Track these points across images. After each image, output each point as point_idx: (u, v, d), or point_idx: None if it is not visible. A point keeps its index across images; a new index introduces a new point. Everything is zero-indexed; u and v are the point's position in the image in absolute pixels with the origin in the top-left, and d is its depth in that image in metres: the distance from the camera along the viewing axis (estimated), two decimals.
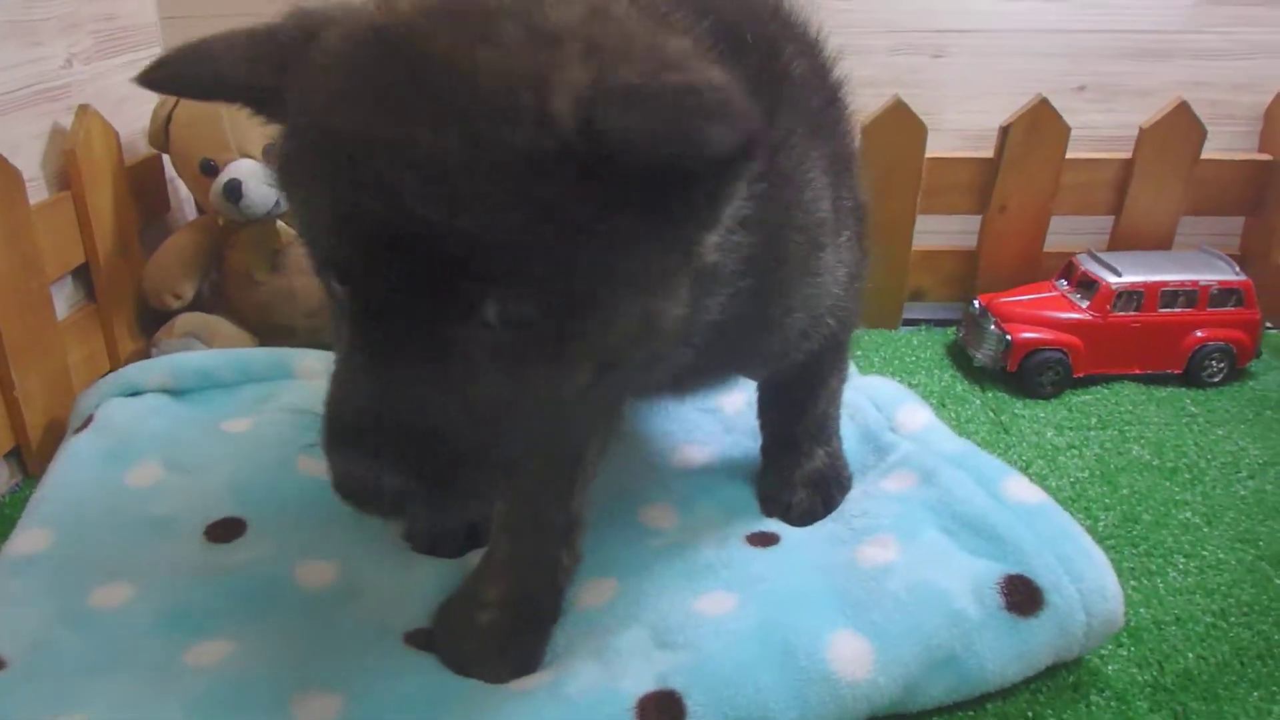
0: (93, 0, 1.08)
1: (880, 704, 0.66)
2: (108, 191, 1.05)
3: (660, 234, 0.48)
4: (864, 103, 1.15)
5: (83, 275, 1.05)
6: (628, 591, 0.74)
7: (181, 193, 1.24)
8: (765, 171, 0.56)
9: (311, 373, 1.00)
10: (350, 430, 0.47)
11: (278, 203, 1.05)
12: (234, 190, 1.03)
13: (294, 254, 1.11)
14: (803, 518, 0.82)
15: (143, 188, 1.14)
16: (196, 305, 1.12)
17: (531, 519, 0.72)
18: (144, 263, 1.12)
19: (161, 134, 1.09)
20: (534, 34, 0.45)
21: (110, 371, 1.06)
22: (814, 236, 0.66)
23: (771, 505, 0.84)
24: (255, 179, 1.04)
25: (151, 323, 1.12)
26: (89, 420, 0.90)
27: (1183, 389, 1.12)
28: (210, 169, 1.06)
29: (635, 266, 0.48)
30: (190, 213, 1.27)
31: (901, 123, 1.14)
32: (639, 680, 0.64)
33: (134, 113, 1.15)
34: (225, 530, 0.79)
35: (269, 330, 1.13)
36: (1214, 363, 1.11)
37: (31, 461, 0.95)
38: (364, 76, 0.46)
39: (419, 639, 0.70)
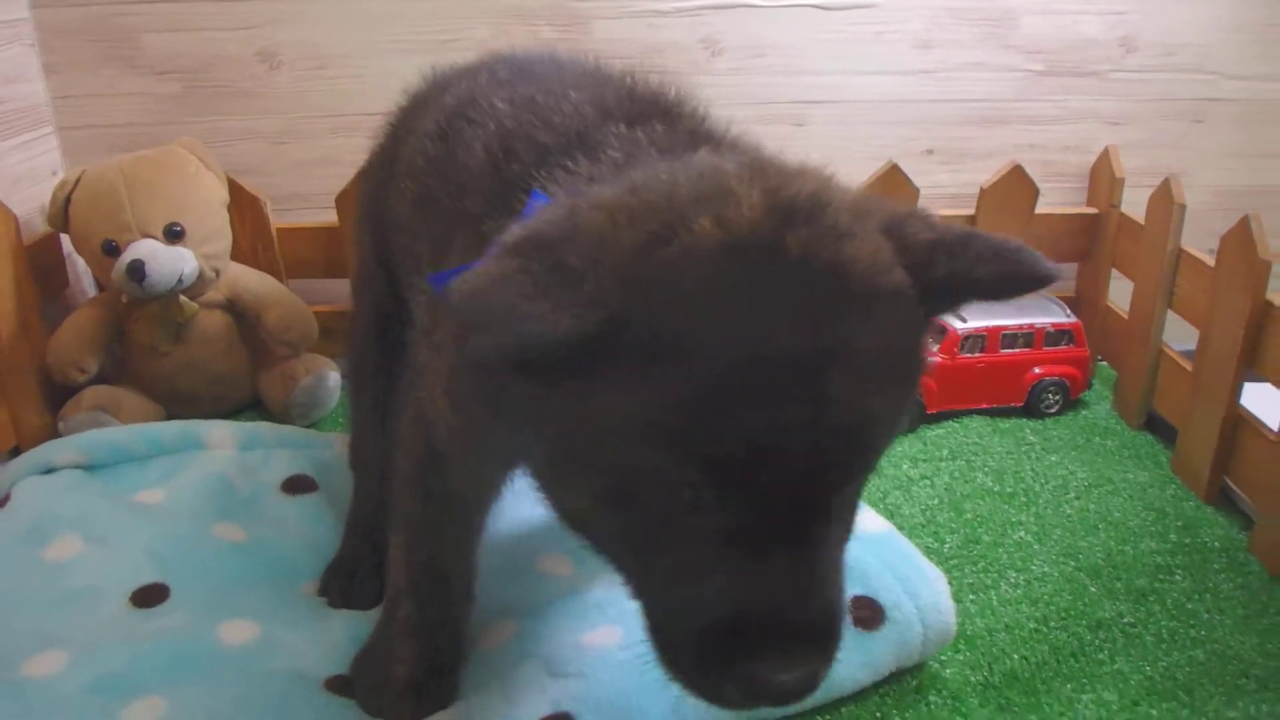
0: None
1: (749, 715, 0.83)
2: (8, 272, 1.17)
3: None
4: None
5: None
6: (525, 630, 0.89)
7: (79, 268, 1.36)
8: None
9: (220, 443, 1.13)
10: (799, 641, 0.52)
11: (180, 279, 1.18)
12: (137, 270, 1.15)
13: (196, 326, 1.24)
14: None
15: (41, 266, 1.25)
16: (100, 379, 1.24)
17: (436, 586, 0.83)
18: (45, 339, 1.23)
19: (61, 216, 1.21)
20: (849, 215, 0.53)
21: (15, 447, 1.17)
22: None
23: None
24: (156, 258, 1.17)
25: (56, 397, 1.24)
26: (5, 500, 1.01)
27: (1024, 420, 1.35)
28: (112, 249, 1.19)
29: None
30: (88, 287, 1.38)
31: None
32: (536, 707, 0.79)
33: (28, 193, 1.27)
34: (149, 596, 0.92)
35: (175, 399, 1.26)
36: (1050, 395, 1.35)
37: None
38: (760, 294, 0.50)
39: (336, 685, 0.84)
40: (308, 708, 0.81)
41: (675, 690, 0.80)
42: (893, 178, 1.37)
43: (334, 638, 0.89)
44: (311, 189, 1.39)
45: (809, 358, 0.50)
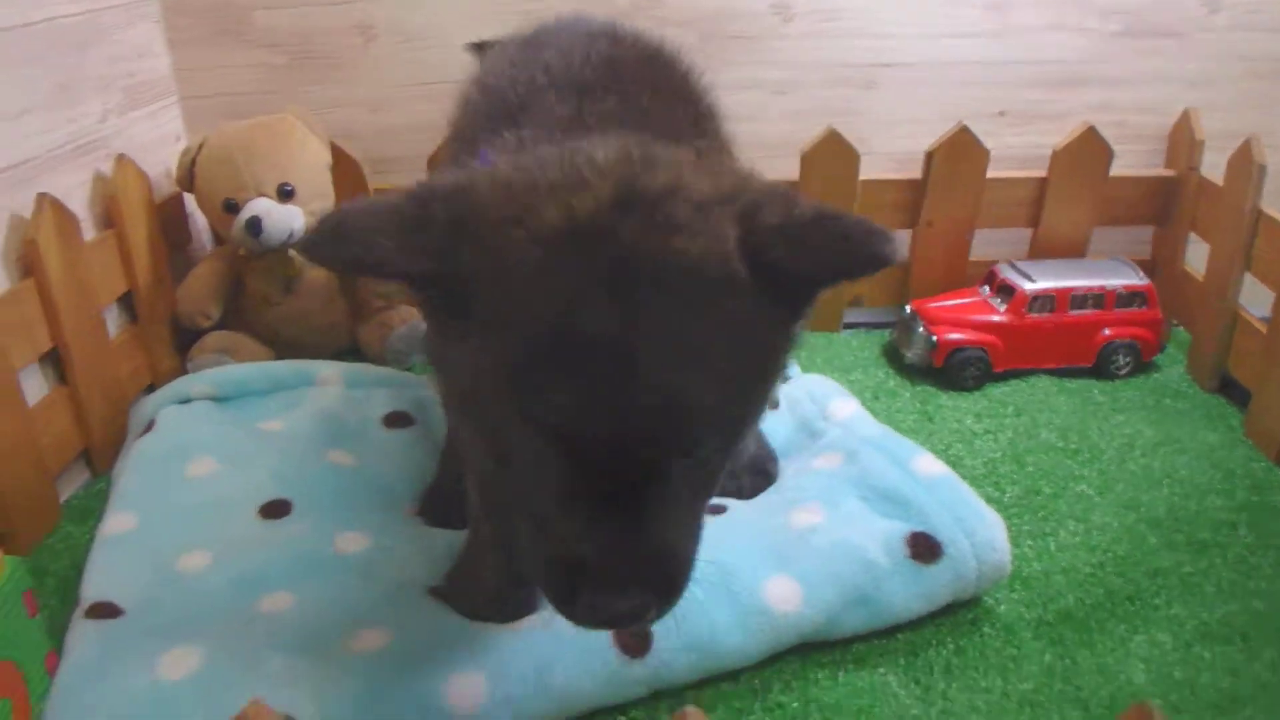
0: (117, 61, 1.38)
1: (807, 631, 0.94)
2: (143, 229, 1.35)
3: (792, 335, 0.66)
4: (804, 131, 1.45)
5: (126, 301, 1.35)
6: None
7: (198, 225, 1.54)
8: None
9: (327, 381, 1.30)
10: (617, 578, 0.60)
11: (291, 234, 1.35)
12: (254, 225, 1.33)
13: (303, 279, 1.41)
14: (753, 494, 1.10)
15: (168, 224, 1.44)
16: (221, 325, 1.42)
17: (504, 508, 0.90)
18: (174, 289, 1.42)
19: (187, 177, 1.39)
20: (696, 209, 0.60)
21: (151, 384, 1.35)
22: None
23: (724, 487, 1.04)
24: (271, 215, 1.34)
25: (184, 341, 1.42)
26: (151, 424, 1.20)
27: (1092, 380, 1.42)
28: (232, 207, 1.36)
29: (778, 368, 0.67)
30: (205, 243, 1.57)
31: (836, 150, 1.45)
32: None
33: (156, 157, 1.45)
34: (274, 509, 1.08)
35: (283, 345, 1.43)
36: (1121, 357, 1.42)
37: (98, 461, 1.24)
38: (586, 279, 0.57)
39: (437, 592, 0.98)
40: (413, 609, 0.95)
41: (740, 605, 0.92)
42: (962, 139, 1.46)
43: (435, 551, 1.04)
44: (403, 152, 1.54)
45: (621, 342, 0.57)
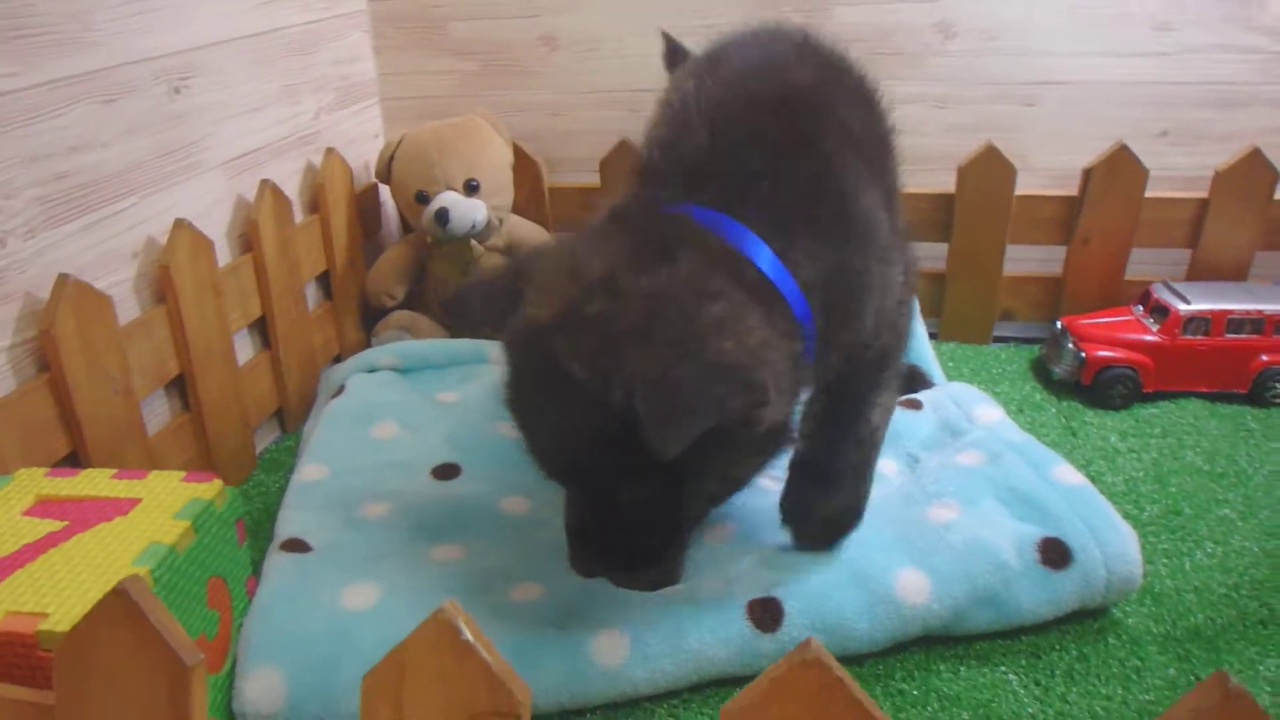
0: (334, 65, 1.53)
1: (933, 624, 0.97)
2: (343, 215, 1.50)
3: (715, 458, 0.81)
4: (963, 146, 1.47)
5: (323, 279, 1.50)
6: (743, 532, 1.09)
7: (388, 214, 1.69)
8: (832, 221, 0.86)
9: (499, 360, 1.39)
10: (590, 547, 0.90)
11: (474, 225, 1.47)
12: (443, 216, 1.45)
13: (480, 266, 1.52)
14: (809, 544, 1.03)
15: (363, 211, 1.58)
16: (403, 305, 1.55)
17: None
18: (365, 271, 1.57)
19: (385, 170, 1.53)
20: (604, 341, 0.76)
21: (339, 354, 1.51)
22: (879, 258, 0.91)
23: (792, 526, 1.04)
24: (458, 207, 1.46)
25: (369, 318, 1.57)
26: (341, 389, 1.33)
27: (1246, 407, 1.38)
28: (423, 198, 1.49)
29: (713, 455, 0.80)
30: (393, 231, 1.72)
31: (994, 164, 1.46)
32: (749, 589, 0.97)
33: (357, 151, 1.60)
34: (446, 471, 1.19)
35: None
36: (1277, 384, 1.37)
37: (289, 419, 1.40)
38: (522, 368, 0.84)
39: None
40: (566, 570, 1.02)
41: (870, 592, 0.97)
42: (1121, 158, 1.44)
43: None
44: (578, 154, 1.64)
45: (539, 421, 0.83)
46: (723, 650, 0.94)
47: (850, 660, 0.96)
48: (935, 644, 0.98)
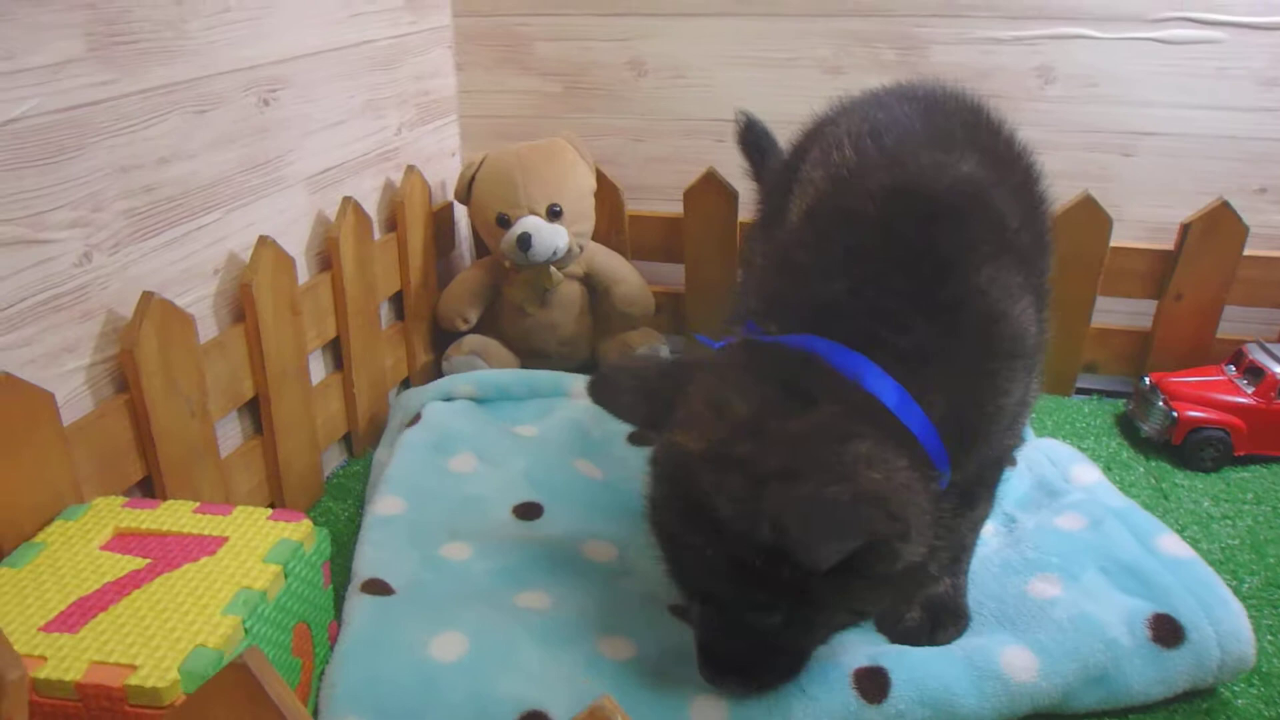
0: (417, 80, 1.47)
1: (1042, 703, 0.90)
2: (420, 232, 1.43)
3: (848, 586, 0.79)
4: (1057, 193, 1.40)
5: (396, 299, 1.43)
6: None
7: (461, 234, 1.63)
8: (974, 354, 0.81)
9: (579, 394, 1.33)
10: (723, 666, 0.86)
11: (555, 251, 1.40)
12: (525, 241, 1.38)
13: (557, 293, 1.46)
14: (904, 636, 0.98)
15: (440, 230, 1.52)
16: (476, 329, 1.48)
17: None
18: (438, 291, 1.50)
19: (465, 191, 1.46)
20: (751, 482, 0.75)
21: (408, 376, 1.45)
22: (1025, 369, 0.85)
23: (884, 618, 0.99)
24: (540, 233, 1.39)
25: (438, 340, 1.50)
26: (417, 417, 1.26)
27: None
28: (504, 221, 1.42)
29: (848, 589, 0.79)
30: (466, 252, 1.65)
31: (1089, 214, 1.39)
32: (855, 657, 0.91)
33: (434, 169, 1.53)
34: (527, 511, 1.13)
35: (530, 353, 1.48)
36: None
37: (357, 443, 1.33)
38: (668, 492, 0.81)
39: (678, 611, 1.00)
40: (656, 623, 0.97)
41: (976, 668, 0.90)
42: (1221, 214, 1.37)
43: None
44: (660, 182, 1.58)
45: (680, 539, 0.80)
46: (823, 709, 0.87)
47: None
48: None
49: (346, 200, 1.25)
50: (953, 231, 0.83)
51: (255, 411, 1.14)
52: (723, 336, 0.90)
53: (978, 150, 0.92)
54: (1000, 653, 0.92)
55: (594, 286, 1.49)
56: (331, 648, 0.94)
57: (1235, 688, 0.96)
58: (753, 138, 1.31)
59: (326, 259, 1.24)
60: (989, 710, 0.90)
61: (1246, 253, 1.41)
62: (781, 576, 0.76)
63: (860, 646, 0.94)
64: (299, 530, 0.89)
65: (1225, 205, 1.37)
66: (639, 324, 1.50)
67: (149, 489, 0.98)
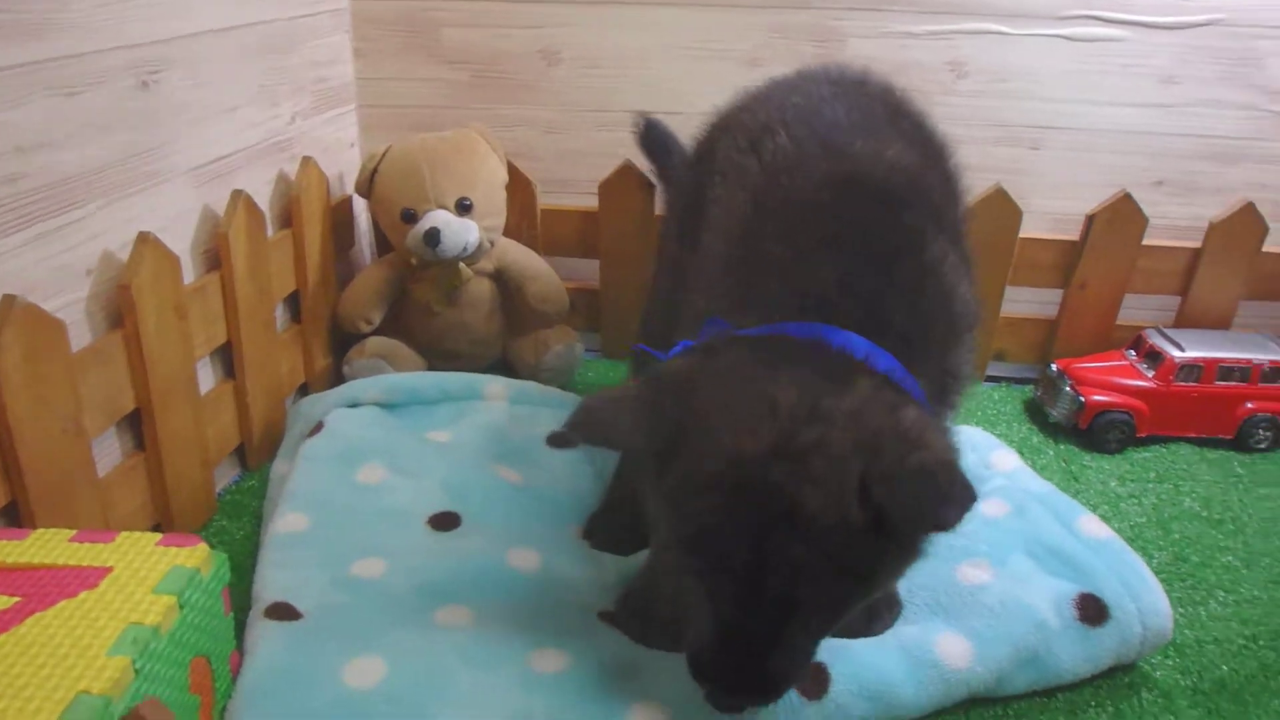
0: (313, 66, 1.37)
1: (977, 689, 0.91)
2: (318, 230, 1.34)
3: (902, 562, 0.77)
4: (970, 185, 1.43)
5: (292, 300, 1.33)
6: None
7: (361, 231, 1.54)
8: (942, 329, 0.83)
9: (494, 395, 1.28)
10: (730, 691, 0.77)
11: (465, 247, 1.33)
12: (433, 237, 1.30)
13: (466, 291, 1.39)
14: (842, 629, 0.94)
15: (338, 226, 1.42)
16: (379, 331, 1.40)
17: None
18: (337, 291, 1.41)
19: (367, 184, 1.37)
20: (831, 463, 0.71)
21: (305, 383, 1.35)
22: (971, 329, 0.89)
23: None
24: (450, 227, 1.31)
25: (339, 343, 1.41)
26: (319, 426, 1.17)
27: (1232, 453, 1.37)
28: (409, 217, 1.34)
29: (884, 581, 0.78)
30: (365, 249, 1.56)
31: (1000, 206, 1.41)
32: None
33: (333, 160, 1.44)
34: (444, 521, 1.06)
35: (439, 355, 1.41)
36: (1261, 431, 1.37)
37: (252, 456, 1.23)
38: (733, 503, 0.72)
39: (607, 617, 0.95)
40: (588, 631, 0.93)
41: (913, 658, 0.90)
42: (1124, 206, 1.42)
43: (604, 576, 1.02)
44: (575, 176, 1.52)
45: (750, 558, 0.72)
46: (765, 718, 0.85)
47: None
48: (974, 705, 0.93)
49: (237, 194, 1.15)
50: (903, 216, 0.84)
51: (137, 426, 1.04)
52: (674, 342, 0.85)
53: (902, 135, 0.93)
54: (935, 641, 0.92)
55: (506, 283, 1.42)
56: (234, 680, 0.86)
57: (1154, 660, 1.00)
58: (654, 138, 1.29)
59: (215, 258, 1.14)
60: (926, 699, 0.89)
61: (1145, 242, 1.46)
62: (862, 561, 0.72)
63: None
64: (194, 555, 0.81)
65: (1127, 197, 1.41)
66: (553, 322, 1.44)
67: (14, 518, 0.88)
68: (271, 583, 0.95)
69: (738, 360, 0.78)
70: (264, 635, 0.88)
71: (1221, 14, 1.42)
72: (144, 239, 0.99)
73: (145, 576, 0.78)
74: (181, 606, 0.77)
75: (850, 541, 0.71)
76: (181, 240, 1.10)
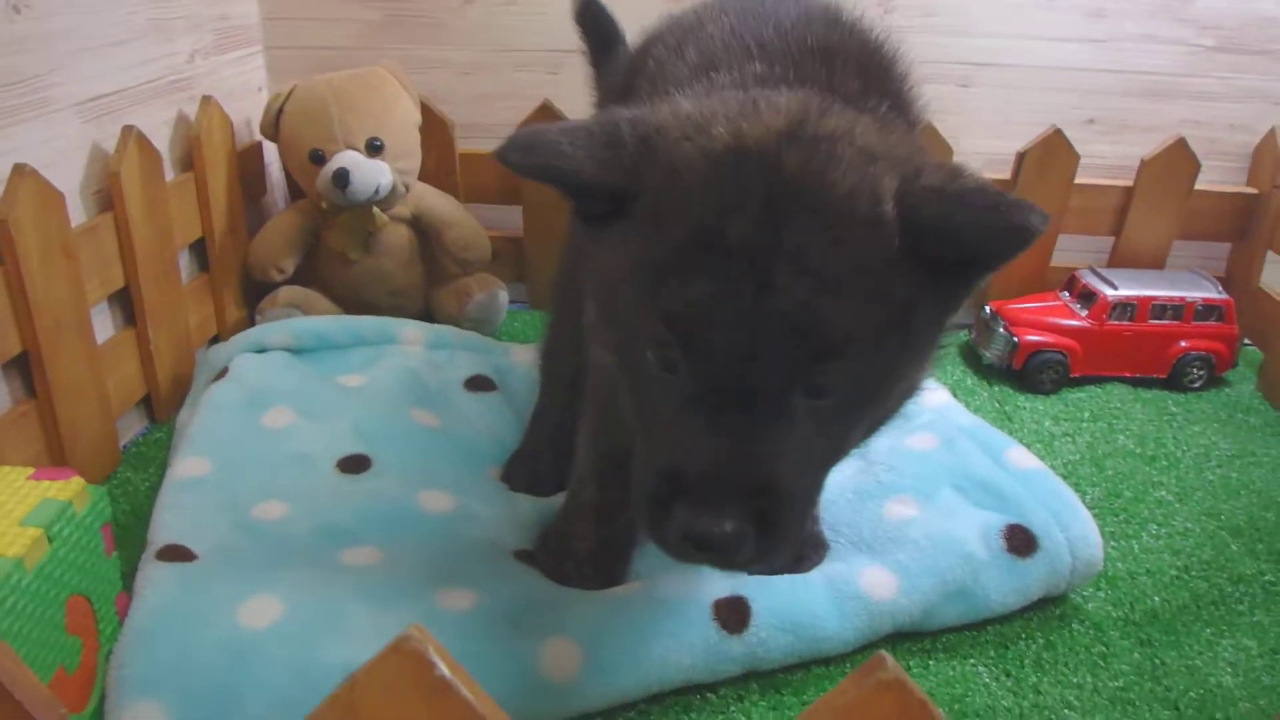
0: (213, 3, 1.33)
1: (903, 622, 0.90)
2: (223, 175, 1.30)
3: (941, 315, 0.65)
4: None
5: (198, 248, 1.29)
6: None
7: (274, 178, 1.49)
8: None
9: (410, 340, 1.25)
10: (716, 494, 0.59)
11: (377, 190, 1.30)
12: (342, 178, 1.27)
13: (382, 238, 1.35)
14: (767, 570, 0.91)
15: (247, 173, 1.38)
16: (293, 281, 1.36)
17: (617, 472, 0.85)
18: (248, 239, 1.36)
19: (272, 126, 1.33)
20: (860, 152, 0.61)
21: (218, 334, 1.31)
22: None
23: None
24: (360, 168, 1.28)
25: (252, 294, 1.37)
26: (224, 372, 1.14)
27: (1166, 392, 1.39)
28: (318, 158, 1.30)
29: (922, 344, 0.65)
30: (280, 198, 1.52)
31: (929, 146, 1.39)
32: (715, 588, 0.88)
33: (238, 105, 1.39)
34: (354, 464, 1.03)
35: (357, 305, 1.37)
36: (1195, 370, 1.38)
37: (159, 408, 1.19)
38: (742, 191, 0.59)
39: (524, 556, 0.94)
40: (500, 572, 0.91)
41: (837, 590, 0.88)
42: (1054, 143, 1.43)
43: (520, 516, 1.00)
44: (494, 119, 1.49)
45: (763, 254, 0.58)
46: (686, 656, 0.84)
47: (818, 660, 0.89)
48: (903, 640, 0.93)
49: (128, 130, 1.10)
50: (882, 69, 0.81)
51: (26, 371, 0.99)
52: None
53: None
54: (860, 574, 0.91)
55: (424, 230, 1.39)
56: (120, 623, 0.82)
57: (1085, 592, 1.00)
58: (592, 18, 1.19)
59: (108, 199, 1.10)
60: (851, 631, 0.89)
61: (1077, 181, 1.47)
62: (897, 289, 0.60)
63: (720, 579, 0.90)
64: (66, 489, 0.77)
65: (1058, 134, 1.42)
66: (475, 270, 1.41)
67: None
68: (166, 526, 0.92)
69: (708, 97, 0.68)
70: (154, 577, 0.85)
71: None
72: (20, 171, 0.95)
73: (12, 510, 0.75)
74: (51, 540, 0.74)
75: (884, 252, 0.59)
76: (69, 178, 1.05)
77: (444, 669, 0.41)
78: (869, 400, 0.65)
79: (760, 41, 0.79)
